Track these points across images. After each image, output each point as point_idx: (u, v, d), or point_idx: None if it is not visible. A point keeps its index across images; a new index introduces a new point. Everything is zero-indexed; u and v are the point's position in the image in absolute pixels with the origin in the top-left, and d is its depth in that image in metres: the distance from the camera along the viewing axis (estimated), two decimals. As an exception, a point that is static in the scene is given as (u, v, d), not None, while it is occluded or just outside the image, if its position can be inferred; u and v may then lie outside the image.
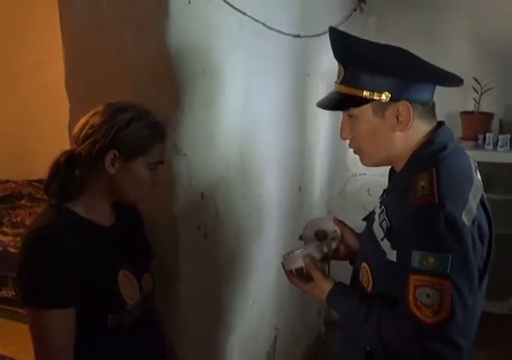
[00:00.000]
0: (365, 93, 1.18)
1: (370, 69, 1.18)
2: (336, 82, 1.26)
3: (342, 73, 1.23)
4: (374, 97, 1.18)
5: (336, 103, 1.26)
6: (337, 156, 3.35)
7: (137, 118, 1.23)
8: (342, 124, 1.27)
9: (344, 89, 1.22)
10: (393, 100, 1.18)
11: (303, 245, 1.45)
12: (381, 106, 1.19)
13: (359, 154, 1.30)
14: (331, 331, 3.09)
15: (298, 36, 2.22)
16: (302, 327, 2.79)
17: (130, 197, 1.29)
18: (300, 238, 1.53)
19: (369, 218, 1.37)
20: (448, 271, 1.06)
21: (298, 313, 2.69)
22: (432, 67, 1.22)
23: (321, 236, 1.47)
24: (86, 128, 1.22)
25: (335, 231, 1.46)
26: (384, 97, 1.18)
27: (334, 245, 1.44)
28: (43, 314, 1.15)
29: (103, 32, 1.43)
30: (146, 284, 1.35)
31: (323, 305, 3.02)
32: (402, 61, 1.20)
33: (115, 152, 1.20)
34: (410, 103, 1.18)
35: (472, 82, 3.23)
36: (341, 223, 1.48)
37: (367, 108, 1.20)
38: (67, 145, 1.28)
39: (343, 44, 1.24)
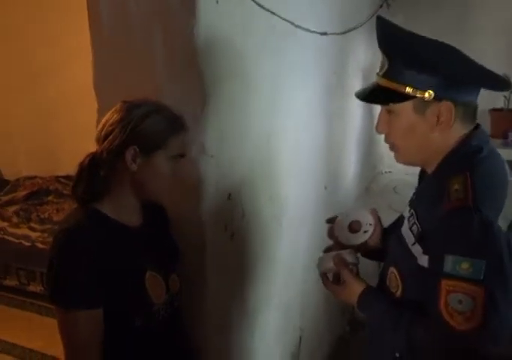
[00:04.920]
0: (408, 89, 1.14)
1: (417, 65, 1.13)
2: (378, 74, 1.20)
3: (386, 66, 1.17)
4: (417, 95, 1.14)
5: (376, 96, 1.21)
6: (363, 153, 3.32)
7: (153, 112, 1.23)
8: (379, 117, 1.23)
9: (386, 83, 1.18)
10: (436, 99, 1.14)
11: (331, 229, 1.48)
12: (423, 105, 1.15)
13: (393, 151, 1.26)
14: (355, 331, 3.07)
15: (325, 34, 2.20)
16: (326, 327, 2.78)
17: (154, 192, 1.29)
18: (328, 221, 1.52)
19: (397, 222, 1.34)
20: (482, 278, 1.03)
21: (322, 313, 2.68)
22: (481, 68, 1.16)
23: (355, 227, 1.46)
24: (106, 127, 1.23)
25: (370, 224, 1.45)
26: (427, 95, 1.13)
27: (365, 238, 1.43)
28: (71, 314, 1.17)
29: (131, 33, 1.43)
30: (173, 284, 1.35)
31: (346, 305, 3.01)
32: (451, 60, 1.14)
33: (135, 148, 1.21)
34: (453, 103, 1.14)
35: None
36: (377, 218, 1.47)
37: (408, 104, 1.16)
38: (93, 142, 1.28)
39: (391, 35, 1.17)
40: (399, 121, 1.19)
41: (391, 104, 1.18)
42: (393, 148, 1.26)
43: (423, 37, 1.16)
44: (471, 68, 1.15)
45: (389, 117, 1.21)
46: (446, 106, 1.14)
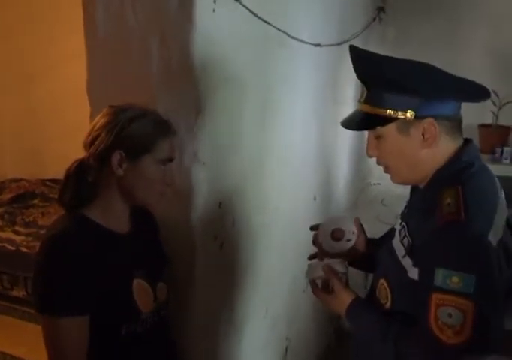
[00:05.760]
0: (389, 112, 1.17)
1: (395, 88, 1.16)
2: (360, 101, 1.24)
3: (365, 93, 1.21)
4: (399, 116, 1.16)
5: (361, 123, 1.24)
6: (354, 165, 3.33)
7: (139, 117, 1.22)
8: (368, 142, 1.26)
9: (368, 108, 1.21)
10: (418, 118, 1.16)
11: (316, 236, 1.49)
12: (406, 125, 1.17)
13: (388, 173, 1.28)
14: (341, 340, 3.06)
15: (318, 45, 2.21)
16: (313, 336, 2.77)
17: (141, 198, 1.27)
18: (312, 228, 1.53)
19: (389, 234, 1.35)
20: (472, 292, 1.04)
21: (309, 322, 2.67)
22: (458, 80, 1.18)
23: (337, 235, 1.47)
24: (92, 132, 1.23)
25: (353, 232, 1.46)
26: (408, 115, 1.16)
27: (348, 246, 1.45)
28: (56, 322, 1.15)
29: (127, 38, 1.42)
30: (160, 293, 1.33)
31: (334, 314, 3.00)
32: (425, 78, 1.17)
33: (121, 153, 1.20)
34: (435, 119, 1.16)
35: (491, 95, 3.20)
36: (360, 227, 1.48)
37: (392, 127, 1.18)
38: (81, 146, 1.27)
39: (365, 64, 1.22)
40: (386, 144, 1.21)
41: (377, 128, 1.21)
42: (386, 170, 1.28)
43: (397, 61, 1.19)
44: (447, 84, 1.18)
45: (377, 141, 1.23)
46: (428, 123, 1.16)
